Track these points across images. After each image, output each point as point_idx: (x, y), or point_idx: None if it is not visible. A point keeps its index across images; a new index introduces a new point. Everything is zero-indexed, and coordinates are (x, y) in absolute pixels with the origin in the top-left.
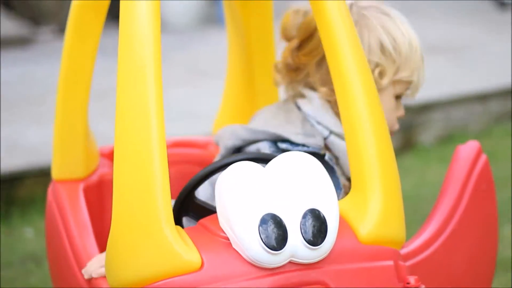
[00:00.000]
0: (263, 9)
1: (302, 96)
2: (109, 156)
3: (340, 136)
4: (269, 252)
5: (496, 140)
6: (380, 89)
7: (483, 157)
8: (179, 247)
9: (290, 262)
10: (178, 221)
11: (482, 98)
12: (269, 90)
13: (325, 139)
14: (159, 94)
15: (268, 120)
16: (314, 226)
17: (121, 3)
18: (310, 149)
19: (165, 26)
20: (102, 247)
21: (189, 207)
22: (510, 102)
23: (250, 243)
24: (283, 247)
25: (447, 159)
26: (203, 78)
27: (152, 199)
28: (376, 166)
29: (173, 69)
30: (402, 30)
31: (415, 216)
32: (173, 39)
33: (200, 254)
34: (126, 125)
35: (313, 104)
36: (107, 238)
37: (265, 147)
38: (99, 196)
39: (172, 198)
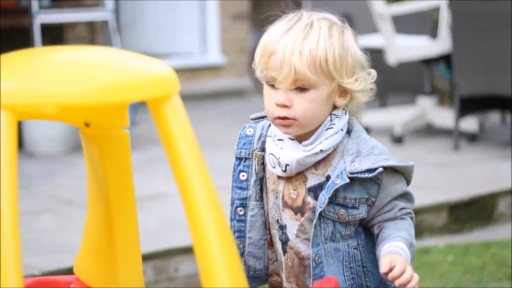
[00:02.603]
0: (120, 147)
1: None
2: None
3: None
4: None
5: None
6: None
7: None
8: None
9: None
10: None
11: None
12: (128, 227)
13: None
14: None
15: None
16: None
17: None
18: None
19: (32, 154)
20: None
21: None
22: None
23: None
24: None
25: None
26: (70, 207)
27: None
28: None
29: (39, 198)
30: None
31: None
32: (40, 167)
33: None
34: None
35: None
36: None
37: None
38: None
39: None
